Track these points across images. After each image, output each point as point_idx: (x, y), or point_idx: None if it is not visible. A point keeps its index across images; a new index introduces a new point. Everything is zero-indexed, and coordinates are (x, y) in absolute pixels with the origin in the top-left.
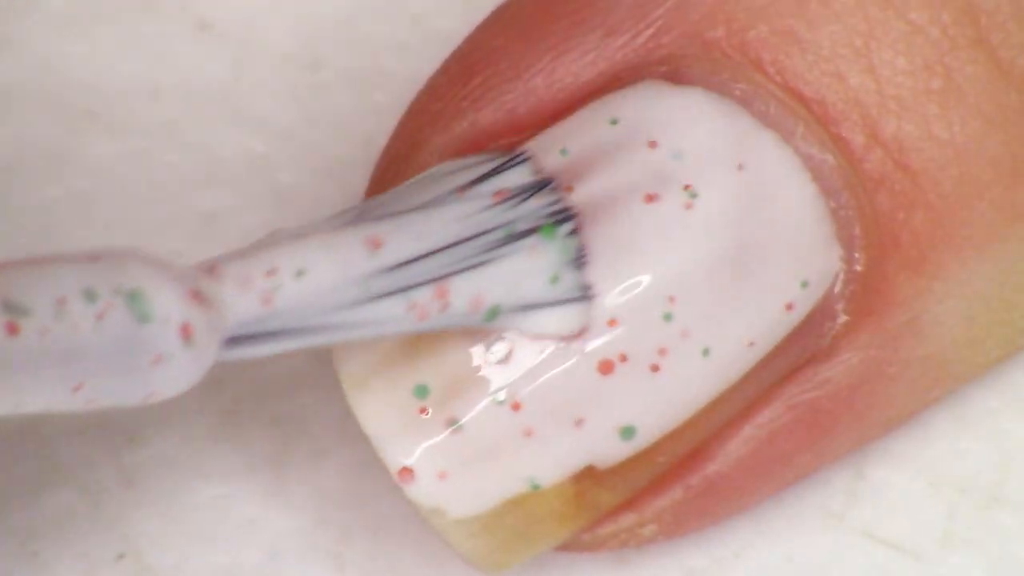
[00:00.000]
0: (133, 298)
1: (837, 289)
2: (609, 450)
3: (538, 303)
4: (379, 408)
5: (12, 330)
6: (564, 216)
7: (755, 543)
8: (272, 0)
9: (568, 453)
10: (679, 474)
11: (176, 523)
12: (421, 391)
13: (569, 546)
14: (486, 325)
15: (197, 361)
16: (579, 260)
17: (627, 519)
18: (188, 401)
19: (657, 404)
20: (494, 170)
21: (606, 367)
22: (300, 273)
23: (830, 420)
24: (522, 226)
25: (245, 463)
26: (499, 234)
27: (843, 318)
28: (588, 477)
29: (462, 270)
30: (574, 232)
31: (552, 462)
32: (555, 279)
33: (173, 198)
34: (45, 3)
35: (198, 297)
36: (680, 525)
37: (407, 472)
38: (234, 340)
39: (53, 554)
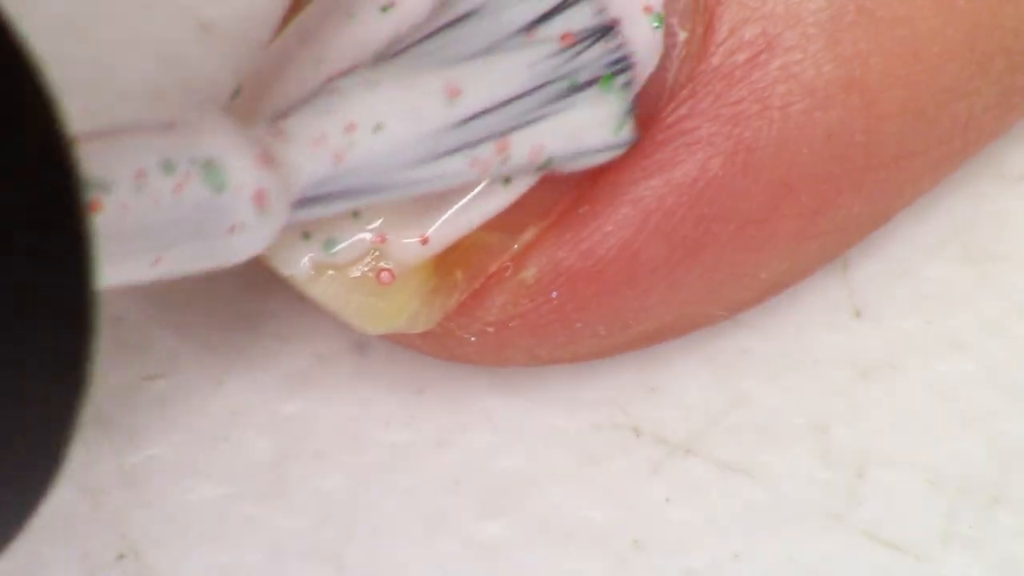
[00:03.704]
0: (209, 168)
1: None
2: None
3: (597, 150)
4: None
5: (95, 207)
6: (622, 67)
7: (755, 543)
8: (272, 0)
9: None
10: (551, 232)
11: (176, 523)
12: None
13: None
14: (536, 173)
15: (269, 226)
16: (631, 110)
17: (507, 271)
18: (188, 401)
19: None
20: (559, 6)
21: None
22: (378, 128)
23: (724, 166)
24: (584, 76)
25: (245, 463)
26: (562, 85)
27: (683, 34)
28: None
29: (524, 124)
30: (628, 84)
31: None
32: (619, 129)
33: None
34: (45, 4)
35: (269, 161)
36: (561, 278)
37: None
38: (302, 201)
39: (53, 554)
